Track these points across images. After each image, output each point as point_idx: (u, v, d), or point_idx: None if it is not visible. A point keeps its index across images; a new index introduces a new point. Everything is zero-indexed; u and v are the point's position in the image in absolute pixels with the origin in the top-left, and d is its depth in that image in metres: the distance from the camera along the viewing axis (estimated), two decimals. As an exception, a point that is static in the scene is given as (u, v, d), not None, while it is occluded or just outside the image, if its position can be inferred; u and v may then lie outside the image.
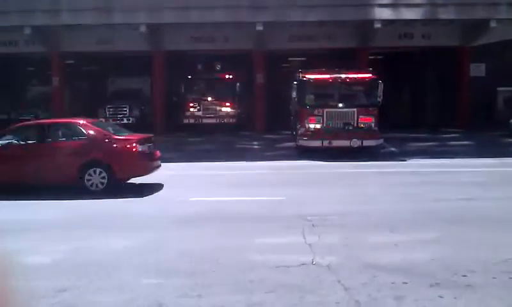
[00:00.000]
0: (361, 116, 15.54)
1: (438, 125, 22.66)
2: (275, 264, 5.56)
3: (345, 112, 15.60)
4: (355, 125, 15.48)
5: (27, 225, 7.61)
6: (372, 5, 20.64)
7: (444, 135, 19.90)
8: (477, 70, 23.01)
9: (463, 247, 6.18)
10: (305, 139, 15.69)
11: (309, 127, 15.56)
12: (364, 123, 15.52)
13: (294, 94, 15.85)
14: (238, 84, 22.02)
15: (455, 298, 4.64)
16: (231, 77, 21.96)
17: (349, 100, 15.90)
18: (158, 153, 11.04)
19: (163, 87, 23.74)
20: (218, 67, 22.09)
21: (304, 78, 15.97)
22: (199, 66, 21.98)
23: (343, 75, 15.87)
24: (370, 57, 23.19)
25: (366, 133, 15.36)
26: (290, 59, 26.91)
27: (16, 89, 27.13)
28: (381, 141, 15.67)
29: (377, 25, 20.70)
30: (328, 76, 15.97)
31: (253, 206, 8.67)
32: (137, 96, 25.08)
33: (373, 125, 15.62)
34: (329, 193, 9.87)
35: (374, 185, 10.77)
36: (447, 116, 24.01)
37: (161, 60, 23.60)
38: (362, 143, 15.09)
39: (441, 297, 4.68)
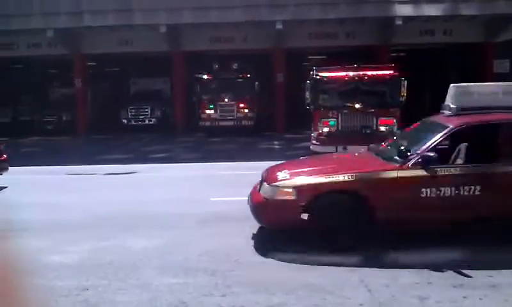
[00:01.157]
0: (381, 118, 13.89)
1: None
2: (296, 264, 5.55)
3: (363, 114, 13.96)
4: (374, 128, 13.82)
5: None
6: (393, 1, 20.46)
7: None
8: (501, 66, 22.58)
9: (484, 246, 6.08)
10: (317, 144, 14.11)
11: (322, 131, 14.05)
12: (385, 126, 13.88)
13: (307, 94, 14.37)
14: (257, 83, 21.85)
15: (480, 299, 4.58)
16: (250, 76, 21.76)
17: (367, 101, 14.18)
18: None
19: (183, 87, 23.89)
20: (235, 66, 21.86)
21: (318, 77, 14.44)
22: (217, 66, 21.80)
23: (361, 73, 14.34)
24: (391, 54, 23.00)
25: (386, 137, 13.39)
26: (310, 57, 26.81)
27: (39, 91, 27.55)
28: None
29: (398, 22, 20.51)
30: (343, 74, 14.41)
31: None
32: (158, 97, 25.27)
33: (395, 128, 13.85)
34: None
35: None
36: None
37: (181, 60, 23.76)
38: None
39: (465, 297, 4.62)
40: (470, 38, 22.38)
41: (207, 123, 21.45)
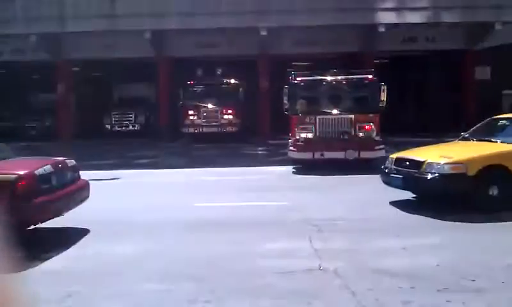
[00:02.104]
0: (359, 124, 13.53)
1: (443, 129, 22.58)
2: (282, 269, 5.55)
3: (341, 119, 13.53)
4: (353, 133, 13.44)
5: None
6: (376, 9, 20.68)
7: (448, 139, 19.81)
8: (482, 73, 22.96)
9: (470, 250, 6.15)
10: (294, 151, 13.70)
11: (299, 137, 13.59)
12: (363, 132, 13.55)
13: (285, 99, 13.90)
14: (242, 89, 21.86)
15: (463, 303, 4.62)
16: (235, 82, 21.77)
17: (346, 106, 13.85)
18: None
19: (168, 93, 23.80)
20: (219, 72, 21.84)
21: (295, 82, 14.07)
22: (200, 72, 21.73)
23: (339, 77, 14.08)
24: (375, 61, 23.18)
25: (364, 143, 13.32)
26: (295, 64, 26.93)
27: (22, 97, 27.25)
28: (382, 152, 13.21)
29: (381, 29, 20.71)
30: (321, 78, 14.10)
31: (258, 212, 8.66)
32: (142, 103, 25.16)
33: (373, 133, 13.56)
34: (334, 198, 9.84)
35: (377, 190, 10.73)
36: (452, 119, 23.94)
37: (166, 66, 23.68)
38: (359, 155, 13.07)
39: (448, 301, 4.65)
40: (452, 45, 22.69)
41: (191, 129, 21.34)
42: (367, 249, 6.29)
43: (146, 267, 5.81)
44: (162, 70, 23.68)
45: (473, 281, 5.11)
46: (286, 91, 13.98)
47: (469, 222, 7.58)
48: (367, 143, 13.36)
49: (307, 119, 13.67)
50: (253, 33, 21.04)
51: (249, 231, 7.38)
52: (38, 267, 5.89)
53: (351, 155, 13.05)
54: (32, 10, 20.67)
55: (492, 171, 8.13)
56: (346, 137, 13.39)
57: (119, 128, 24.12)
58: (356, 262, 5.75)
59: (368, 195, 10.01)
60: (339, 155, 13.10)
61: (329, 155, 13.18)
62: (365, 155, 13.17)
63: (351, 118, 13.54)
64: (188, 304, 4.74)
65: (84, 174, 13.28)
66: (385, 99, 13.71)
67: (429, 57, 25.67)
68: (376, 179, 11.87)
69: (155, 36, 21.56)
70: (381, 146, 13.52)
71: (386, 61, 26.69)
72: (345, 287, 5.00)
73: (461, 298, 4.70)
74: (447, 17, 20.76)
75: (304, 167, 13.53)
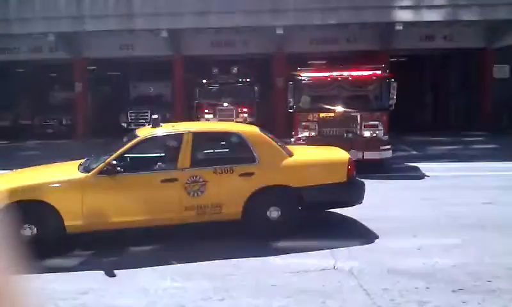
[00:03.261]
0: (365, 122, 12.74)
1: (461, 128, 22.36)
2: (296, 269, 5.54)
3: (346, 117, 12.85)
4: (358, 132, 12.70)
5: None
6: (393, 7, 20.50)
7: (466, 138, 19.64)
8: (501, 71, 22.65)
9: (486, 251, 6.08)
10: None
11: (302, 135, 12.94)
12: (369, 131, 12.75)
13: (289, 96, 13.37)
14: (257, 88, 21.84)
15: (479, 303, 4.57)
16: (250, 81, 21.75)
17: (352, 103, 13.10)
18: None
19: (183, 92, 23.91)
20: (235, 70, 21.82)
21: (299, 78, 13.45)
22: (216, 71, 21.74)
23: (345, 73, 13.17)
24: (391, 59, 23.02)
25: (369, 143, 12.51)
26: (310, 62, 26.89)
27: (40, 95, 27.58)
28: (389, 153, 12.74)
29: (399, 27, 20.54)
30: (326, 74, 13.34)
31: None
32: (158, 101, 25.29)
33: (380, 132, 12.73)
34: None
35: (393, 189, 10.67)
36: (470, 118, 23.69)
37: (181, 65, 23.80)
38: (363, 156, 12.13)
39: (464, 302, 4.61)
40: (470, 44, 22.42)
41: None
42: (383, 249, 6.25)
43: (161, 265, 5.85)
44: (178, 69, 23.80)
45: (490, 281, 5.06)
46: (291, 87, 13.49)
47: (486, 223, 7.49)
48: (372, 143, 12.53)
49: (310, 117, 13.02)
50: (269, 32, 21.03)
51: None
52: (54, 264, 5.96)
53: (354, 155, 12.13)
54: (51, 9, 20.91)
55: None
56: (351, 136, 12.62)
57: (135, 127, 24.25)
58: (371, 262, 5.72)
59: (382, 195, 9.94)
60: None
61: None
62: (370, 155, 12.28)
63: (356, 116, 12.80)
64: (202, 301, 4.76)
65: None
66: (395, 97, 12.85)
67: (446, 55, 25.44)
68: (389, 180, 11.82)
69: (171, 35, 21.67)
70: (388, 147, 12.77)
71: (403, 59, 26.52)
72: (360, 287, 4.98)
73: (477, 298, 4.66)
74: (465, 15, 20.50)
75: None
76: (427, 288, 4.95)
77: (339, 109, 12.98)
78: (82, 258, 6.19)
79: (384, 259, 5.79)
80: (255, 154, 6.86)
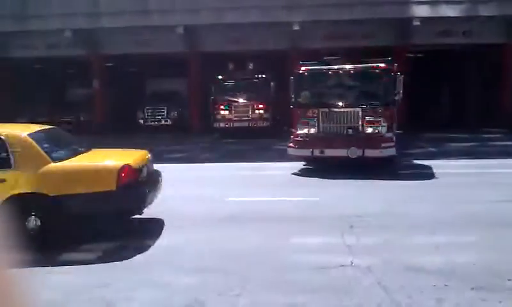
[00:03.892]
0: (367, 118, 12.03)
1: (479, 125, 22.10)
2: (313, 265, 5.53)
3: (347, 112, 12.15)
4: (360, 129, 12.03)
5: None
6: (410, 2, 20.32)
7: (484, 135, 19.41)
8: (521, 67, 22.31)
9: (505, 250, 6.00)
10: (292, 146, 12.42)
11: (301, 132, 12.37)
12: (371, 127, 12.03)
13: (291, 91, 12.87)
14: (273, 84, 21.80)
15: (500, 302, 4.51)
16: (266, 77, 21.70)
17: (354, 98, 12.46)
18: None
19: (199, 88, 23.97)
20: (250, 66, 21.78)
21: (299, 71, 12.87)
22: (232, 67, 21.72)
23: (348, 66, 12.57)
24: (408, 55, 22.82)
25: (370, 140, 11.77)
26: (326, 58, 26.75)
27: (58, 92, 27.85)
28: (391, 151, 11.89)
29: (416, 23, 20.35)
30: (327, 67, 12.67)
31: (289, 207, 8.65)
32: (174, 98, 25.38)
33: (383, 129, 11.97)
34: (365, 194, 9.73)
35: (410, 186, 10.59)
36: (488, 115, 23.39)
37: (197, 61, 23.85)
38: (363, 153, 11.55)
39: (484, 300, 4.56)
40: (489, 39, 22.09)
41: (222, 124, 21.37)
42: (400, 246, 6.21)
43: (178, 259, 5.88)
44: (194, 65, 23.85)
45: (510, 280, 4.99)
46: (292, 81, 12.99)
47: (503, 221, 7.40)
48: (374, 140, 11.79)
49: (310, 113, 12.39)
50: (285, 28, 20.97)
51: (280, 225, 7.38)
52: (73, 258, 6.02)
53: (354, 153, 11.55)
54: (67, 6, 21.09)
55: None
56: (351, 132, 12.01)
57: (151, 123, 24.43)
58: (388, 259, 5.69)
59: (398, 192, 9.88)
60: (341, 152, 11.75)
61: (330, 152, 11.88)
62: (370, 153, 11.60)
63: (358, 112, 12.09)
64: (219, 296, 4.77)
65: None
66: (401, 91, 12.27)
67: (464, 51, 25.11)
68: (404, 176, 11.74)
69: (187, 31, 21.74)
70: (391, 144, 11.93)
71: (420, 55, 26.25)
72: (377, 284, 4.95)
73: (497, 297, 4.60)
74: (484, 10, 20.23)
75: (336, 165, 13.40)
76: (446, 285, 4.90)
77: (340, 104, 12.35)
78: (100, 252, 6.24)
79: (401, 257, 5.75)
80: (11, 159, 6.39)
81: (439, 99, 28.23)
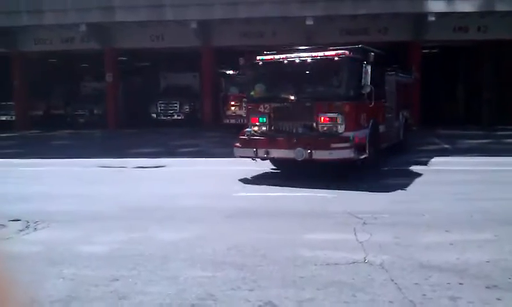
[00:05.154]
0: (321, 114, 10.36)
1: (494, 122, 21.86)
2: (325, 261, 5.50)
3: (300, 108, 10.59)
4: (314, 126, 10.46)
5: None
6: (426, -3, 20.16)
7: (499, 132, 19.20)
8: (538, 64, 22.03)
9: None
10: (238, 146, 11.15)
11: (250, 129, 11.19)
12: (326, 125, 10.40)
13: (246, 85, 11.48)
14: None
15: (515, 301, 4.45)
16: None
17: (309, 91, 10.96)
18: None
19: (212, 83, 23.99)
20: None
21: (253, 63, 11.62)
22: (242, 61, 21.66)
23: (304, 55, 10.93)
24: (423, 51, 22.63)
25: (319, 140, 10.16)
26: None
27: (72, 85, 28.08)
28: (345, 153, 10.01)
29: (431, 18, 20.18)
30: (281, 56, 11.12)
31: (300, 202, 8.61)
32: (187, 92, 25.46)
33: (340, 127, 10.23)
34: (377, 190, 9.67)
35: (423, 183, 10.50)
36: (503, 112, 23.13)
37: (210, 56, 23.87)
38: (311, 155, 9.96)
39: (499, 299, 4.49)
40: (505, 35, 21.82)
41: (233, 120, 21.23)
42: (414, 243, 6.15)
43: (190, 253, 5.88)
44: (206, 60, 23.88)
45: (526, 279, 4.93)
46: (248, 74, 11.96)
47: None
48: (323, 140, 10.15)
49: (261, 108, 11.06)
50: (298, 22, 20.88)
51: (291, 221, 7.36)
52: (85, 251, 6.06)
53: (300, 154, 10.02)
54: (82, 0, 21.20)
55: None
56: (301, 130, 10.54)
57: (164, 117, 24.55)
58: (402, 256, 5.63)
59: (412, 189, 9.81)
60: (287, 153, 10.38)
61: (275, 153, 10.64)
62: (318, 155, 10.03)
63: (311, 107, 10.51)
64: (231, 291, 4.76)
65: (131, 162, 13.63)
66: (368, 83, 10.42)
67: (480, 47, 24.85)
68: (418, 173, 11.64)
69: (200, 25, 21.75)
70: (345, 145, 10.04)
71: (435, 51, 26.03)
72: (391, 281, 4.91)
73: (513, 296, 4.54)
74: (501, 6, 19.97)
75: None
76: (460, 283, 4.84)
77: (292, 98, 10.87)
78: (113, 245, 6.26)
79: (415, 254, 5.70)
80: None
81: (454, 95, 27.99)
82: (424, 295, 4.58)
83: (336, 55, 10.47)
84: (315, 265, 5.40)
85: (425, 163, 13.02)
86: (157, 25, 22.44)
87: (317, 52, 10.86)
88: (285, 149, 10.37)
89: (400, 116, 14.59)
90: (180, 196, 9.28)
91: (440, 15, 20.26)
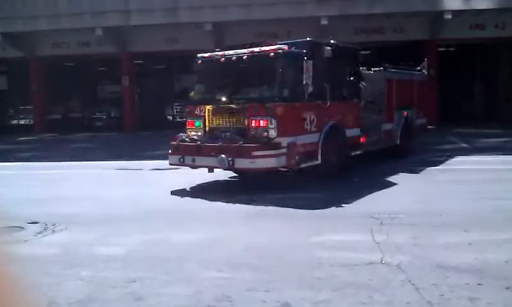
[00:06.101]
0: (252, 118, 9.34)
1: (512, 120, 21.58)
2: (342, 262, 5.47)
3: (234, 110, 9.62)
4: (245, 130, 9.47)
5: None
6: (442, -5, 19.97)
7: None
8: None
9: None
10: (169, 154, 10.25)
11: (184, 135, 10.40)
12: (255, 130, 9.33)
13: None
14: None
15: (535, 302, 4.38)
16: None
17: (244, 91, 9.98)
18: None
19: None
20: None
21: (194, 61, 10.81)
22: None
23: (242, 51, 9.82)
24: (439, 49, 22.42)
25: (241, 147, 9.00)
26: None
27: (89, 89, 28.38)
28: (270, 161, 9.02)
29: (447, 16, 19.98)
30: (219, 54, 10.24)
31: (315, 202, 8.58)
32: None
33: (271, 132, 9.14)
34: (394, 190, 9.60)
35: (440, 182, 10.39)
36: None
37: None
38: (233, 164, 9.03)
39: (518, 300, 4.43)
40: (523, 32, 21.56)
41: None
42: (432, 243, 6.09)
43: (207, 255, 5.89)
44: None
45: (547, 279, 4.85)
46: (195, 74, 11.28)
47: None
48: (244, 147, 8.98)
49: (197, 111, 10.27)
50: (313, 22, 20.83)
51: (308, 222, 7.34)
52: (103, 253, 6.11)
53: (223, 162, 9.05)
54: (98, 4, 21.42)
55: None
56: (227, 135, 9.55)
57: (180, 119, 24.66)
58: (419, 257, 5.58)
59: (429, 188, 9.71)
60: (211, 161, 9.39)
61: (201, 161, 9.69)
62: (240, 164, 9.08)
63: (244, 109, 9.51)
64: (248, 292, 4.76)
65: (148, 164, 13.72)
66: (309, 82, 9.27)
67: (497, 44, 24.54)
68: (435, 172, 11.53)
69: (215, 27, 21.81)
70: (269, 153, 8.98)
71: (451, 49, 25.77)
72: (408, 282, 4.87)
73: (533, 297, 4.47)
74: (518, 2, 19.72)
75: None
76: (479, 284, 4.78)
77: (225, 99, 9.95)
78: (130, 247, 6.31)
79: (433, 254, 5.64)
80: None
81: (471, 94, 27.69)
82: (442, 295, 4.53)
83: (272, 50, 9.51)
84: (332, 266, 5.38)
85: (442, 162, 12.89)
86: (172, 28, 22.58)
87: (257, 48, 9.81)
88: (209, 156, 9.42)
89: (396, 117, 13.31)
90: (198, 198, 9.30)
91: (456, 13, 20.06)
